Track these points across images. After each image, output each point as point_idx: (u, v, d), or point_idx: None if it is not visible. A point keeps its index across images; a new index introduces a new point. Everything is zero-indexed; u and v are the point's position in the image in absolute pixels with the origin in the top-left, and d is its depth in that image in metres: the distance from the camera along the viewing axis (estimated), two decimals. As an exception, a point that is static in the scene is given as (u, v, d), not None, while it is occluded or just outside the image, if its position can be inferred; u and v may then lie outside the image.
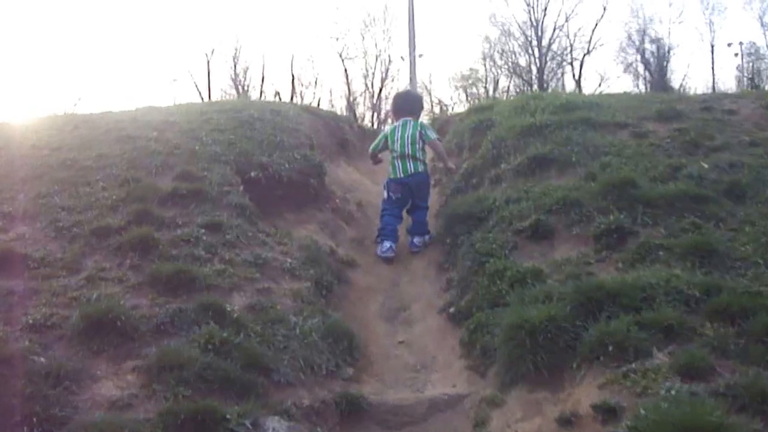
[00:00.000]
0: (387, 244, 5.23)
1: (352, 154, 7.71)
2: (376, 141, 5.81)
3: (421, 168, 5.43)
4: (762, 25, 29.87)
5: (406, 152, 5.37)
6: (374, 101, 31.02)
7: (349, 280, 4.81)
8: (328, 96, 32.19)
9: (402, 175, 5.37)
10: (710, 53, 31.06)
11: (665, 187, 4.36)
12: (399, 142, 5.39)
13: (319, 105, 30.81)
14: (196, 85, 30.71)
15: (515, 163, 5.25)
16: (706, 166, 4.66)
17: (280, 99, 29.97)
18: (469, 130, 6.48)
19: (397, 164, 5.40)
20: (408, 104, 5.80)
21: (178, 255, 4.04)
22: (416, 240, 5.30)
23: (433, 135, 5.61)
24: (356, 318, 4.40)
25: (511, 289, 3.82)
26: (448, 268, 4.81)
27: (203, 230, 4.32)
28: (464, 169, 5.90)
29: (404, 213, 5.51)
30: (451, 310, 4.26)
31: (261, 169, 5.30)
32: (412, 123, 5.51)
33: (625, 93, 9.27)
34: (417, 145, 5.40)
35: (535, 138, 5.46)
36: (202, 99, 29.55)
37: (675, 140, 5.25)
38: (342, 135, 7.70)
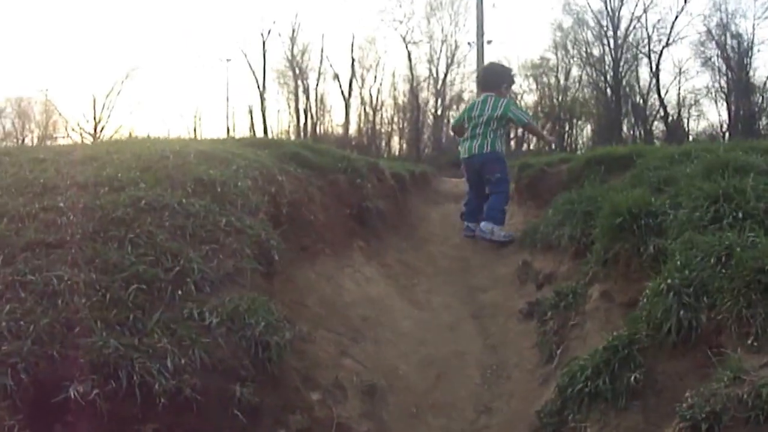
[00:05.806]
0: (465, 224, 4.96)
1: (378, 233, 4.35)
2: (458, 116, 5.32)
3: (487, 148, 4.80)
4: None
5: (477, 132, 4.84)
6: (438, 87, 29.39)
7: None
8: (390, 79, 29.87)
9: (466, 155, 4.92)
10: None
11: None
12: (473, 120, 4.90)
13: (379, 90, 28.73)
14: (251, 66, 28.82)
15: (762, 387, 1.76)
16: None
17: (339, 83, 28.13)
18: (609, 227, 2.98)
19: (464, 144, 4.96)
20: (486, 78, 5.23)
21: None
22: (482, 225, 4.64)
23: (524, 118, 5.15)
24: None
25: None
26: None
27: None
28: (603, 344, 2.44)
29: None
30: None
31: (97, 381, 2.00)
32: (492, 101, 4.92)
33: None
34: (490, 126, 4.82)
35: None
36: (257, 80, 28.00)
37: None
38: (359, 200, 4.33)
